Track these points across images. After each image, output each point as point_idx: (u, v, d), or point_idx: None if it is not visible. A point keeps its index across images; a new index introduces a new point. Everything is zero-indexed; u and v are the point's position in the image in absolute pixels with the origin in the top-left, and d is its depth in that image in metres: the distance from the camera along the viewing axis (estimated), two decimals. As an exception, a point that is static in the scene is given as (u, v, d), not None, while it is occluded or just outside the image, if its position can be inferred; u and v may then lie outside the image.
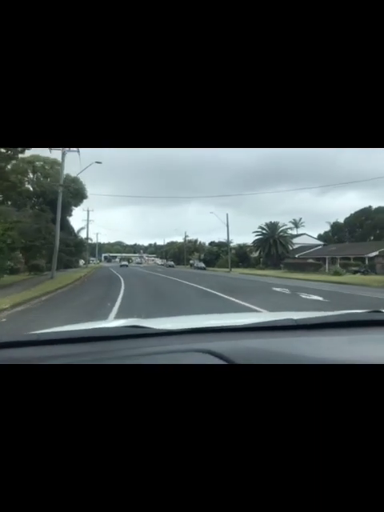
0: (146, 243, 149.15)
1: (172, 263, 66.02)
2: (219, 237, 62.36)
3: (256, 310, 8.10)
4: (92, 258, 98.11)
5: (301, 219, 60.38)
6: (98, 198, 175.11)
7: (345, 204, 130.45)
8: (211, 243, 65.84)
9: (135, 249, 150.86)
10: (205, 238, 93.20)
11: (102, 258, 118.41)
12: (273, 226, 47.13)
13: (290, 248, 46.21)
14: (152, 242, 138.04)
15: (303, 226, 59.76)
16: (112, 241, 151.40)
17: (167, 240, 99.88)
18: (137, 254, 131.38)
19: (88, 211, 53.58)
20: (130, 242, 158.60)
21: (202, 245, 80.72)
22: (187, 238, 78.65)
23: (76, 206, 50.84)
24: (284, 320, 1.22)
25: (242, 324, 1.19)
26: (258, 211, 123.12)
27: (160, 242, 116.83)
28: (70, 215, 52.23)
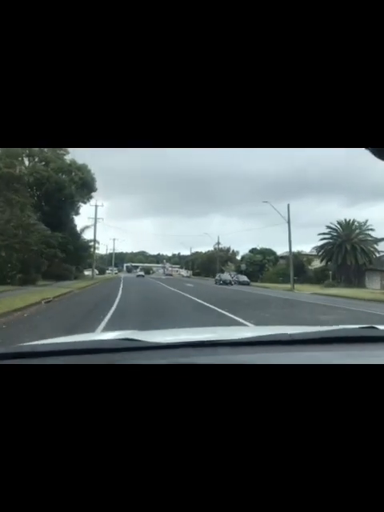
0: (169, 253, 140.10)
1: (232, 278, 39.31)
2: (246, 248, 50.00)
3: None
4: (110, 268, 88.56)
5: (366, 222, 37.43)
6: (121, 208, 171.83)
7: (372, 215, 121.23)
8: (253, 250, 52.35)
9: (158, 259, 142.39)
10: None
11: (124, 268, 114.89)
12: (348, 227, 33.29)
13: (375, 256, 32.09)
14: (175, 252, 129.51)
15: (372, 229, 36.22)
16: (135, 250, 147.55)
17: (192, 250, 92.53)
18: (159, 265, 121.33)
19: (96, 207, 41.33)
20: (153, 251, 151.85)
21: (235, 253, 68.31)
22: (219, 246, 66.47)
23: (83, 200, 39.46)
24: (278, 335, 1.24)
25: (237, 338, 1.22)
26: (282, 222, 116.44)
27: (185, 252, 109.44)
28: (77, 213, 40.61)
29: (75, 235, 35.61)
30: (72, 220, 37.70)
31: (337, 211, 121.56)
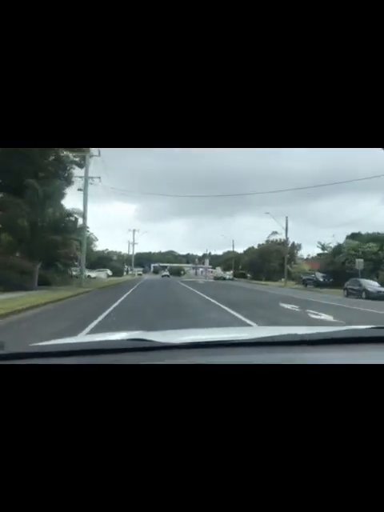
0: (199, 253, 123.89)
1: None
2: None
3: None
4: (130, 269, 72.71)
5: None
6: (151, 209, 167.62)
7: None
8: (354, 236, 32.05)
9: (188, 258, 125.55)
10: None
11: (151, 268, 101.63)
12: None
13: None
14: (206, 252, 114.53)
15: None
16: (164, 250, 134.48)
17: (215, 250, 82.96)
18: (189, 265, 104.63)
19: (87, 158, 22.75)
20: (182, 251, 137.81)
21: (296, 247, 50.30)
22: (272, 238, 48.58)
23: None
24: (288, 335, 1.23)
25: (246, 339, 1.22)
26: (318, 221, 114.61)
27: (217, 252, 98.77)
28: (70, 182, 23.68)
29: (42, 204, 18.28)
30: (56, 189, 20.38)
31: (370, 210, 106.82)
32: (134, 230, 61.89)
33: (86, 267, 25.14)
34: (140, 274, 77.97)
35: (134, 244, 61.87)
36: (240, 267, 59.21)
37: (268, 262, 46.65)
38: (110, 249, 71.35)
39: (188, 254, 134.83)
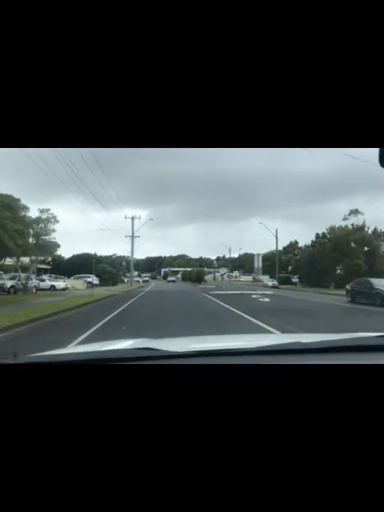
0: (212, 256, 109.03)
1: None
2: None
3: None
4: (139, 274, 56.12)
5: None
6: (163, 214, 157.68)
7: None
8: None
9: (201, 262, 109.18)
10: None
11: (161, 273, 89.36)
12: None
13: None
14: (220, 255, 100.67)
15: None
16: (175, 254, 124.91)
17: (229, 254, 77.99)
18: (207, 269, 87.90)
19: None
20: (194, 255, 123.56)
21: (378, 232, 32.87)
22: (345, 223, 31.44)
23: None
24: (293, 343, 1.24)
25: (251, 347, 1.23)
26: (330, 223, 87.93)
27: (233, 255, 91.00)
28: None
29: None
30: None
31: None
32: (132, 218, 43.99)
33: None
34: (146, 281, 60.44)
35: (132, 237, 43.91)
36: (279, 270, 42.11)
37: (339, 259, 29.60)
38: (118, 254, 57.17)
39: (201, 258, 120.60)
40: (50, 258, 30.61)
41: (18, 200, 18.57)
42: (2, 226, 15.51)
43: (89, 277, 29.19)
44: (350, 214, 31.58)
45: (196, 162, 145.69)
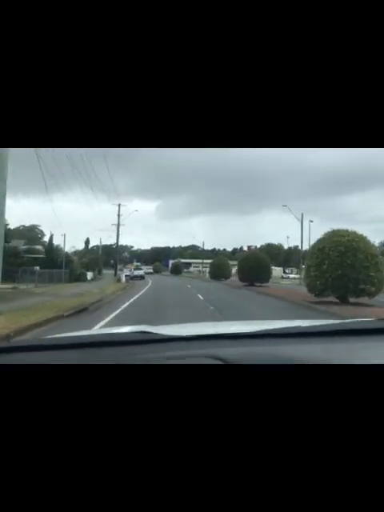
0: (228, 248, 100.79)
1: None
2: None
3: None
4: (124, 268, 47.86)
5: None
6: (173, 206, 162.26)
7: None
8: None
9: (214, 254, 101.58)
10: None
11: (169, 266, 79.95)
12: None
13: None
14: (237, 246, 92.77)
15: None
16: (184, 244, 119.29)
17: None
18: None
19: None
20: (208, 246, 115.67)
21: None
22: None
23: None
24: (293, 327, 1.24)
25: (251, 331, 1.21)
26: (343, 219, 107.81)
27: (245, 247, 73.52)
28: None
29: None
30: None
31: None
32: (118, 204, 35.13)
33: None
34: (141, 277, 40.29)
35: (119, 218, 35.36)
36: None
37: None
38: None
39: (214, 249, 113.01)
40: None
41: None
42: None
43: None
44: None
45: (206, 152, 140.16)
